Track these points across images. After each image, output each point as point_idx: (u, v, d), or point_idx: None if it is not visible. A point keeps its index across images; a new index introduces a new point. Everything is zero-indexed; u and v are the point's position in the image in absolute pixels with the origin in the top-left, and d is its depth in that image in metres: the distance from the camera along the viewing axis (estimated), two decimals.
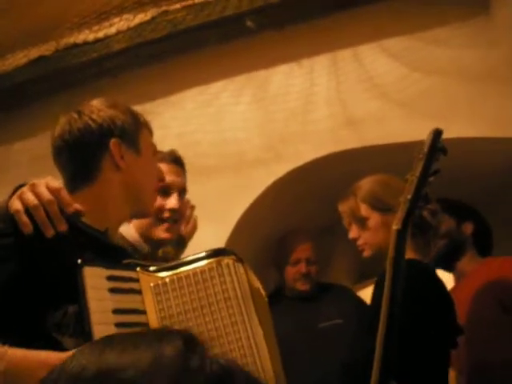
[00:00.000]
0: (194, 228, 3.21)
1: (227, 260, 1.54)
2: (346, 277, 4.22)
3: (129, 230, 2.57)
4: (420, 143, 3.08)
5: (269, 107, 3.35)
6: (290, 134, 3.30)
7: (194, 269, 1.51)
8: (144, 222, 2.33)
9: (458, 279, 3.13)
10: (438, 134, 1.95)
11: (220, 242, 3.23)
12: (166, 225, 2.35)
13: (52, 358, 1.30)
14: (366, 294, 3.11)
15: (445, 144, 3.03)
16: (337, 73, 3.28)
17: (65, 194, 1.57)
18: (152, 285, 1.48)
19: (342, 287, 3.66)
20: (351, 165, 3.27)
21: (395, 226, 1.92)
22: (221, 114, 3.42)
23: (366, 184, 2.64)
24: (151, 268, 1.53)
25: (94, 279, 1.42)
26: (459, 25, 3.15)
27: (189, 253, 3.11)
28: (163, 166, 2.57)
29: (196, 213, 3.14)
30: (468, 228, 3.11)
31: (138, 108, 3.48)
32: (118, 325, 1.41)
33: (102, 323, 1.39)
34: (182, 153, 3.25)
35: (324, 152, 3.24)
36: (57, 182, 1.60)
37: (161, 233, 2.37)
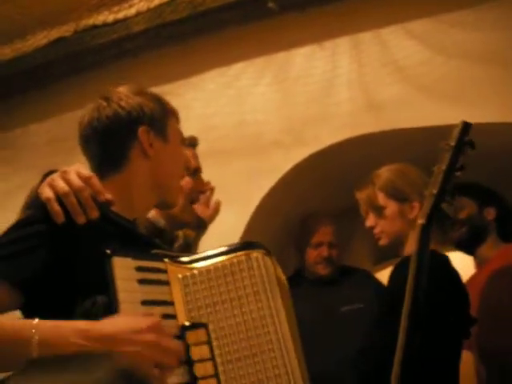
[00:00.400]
0: (216, 211, 3.21)
1: (256, 253, 1.51)
2: (364, 259, 4.20)
3: None
4: (443, 129, 3.10)
5: (289, 89, 3.32)
6: (311, 117, 3.27)
7: (223, 261, 1.49)
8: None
9: (479, 265, 3.11)
10: (466, 126, 1.91)
11: (240, 225, 3.23)
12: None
13: (84, 324, 1.30)
14: (384, 275, 3.09)
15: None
16: (359, 55, 3.25)
17: (96, 181, 1.55)
18: (180, 276, 1.47)
19: (363, 271, 3.65)
20: (372, 149, 3.25)
21: (420, 221, 1.91)
22: (241, 96, 3.39)
23: (384, 173, 2.64)
24: (180, 259, 1.51)
25: (123, 270, 1.40)
26: (485, 7, 3.09)
27: (209, 236, 3.14)
28: (187, 151, 2.59)
29: (217, 195, 3.13)
30: (490, 213, 3.08)
31: (157, 89, 3.48)
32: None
33: (131, 314, 1.36)
34: (202, 135, 3.24)
35: (344, 136, 3.21)
36: (87, 170, 1.60)
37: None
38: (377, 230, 2.62)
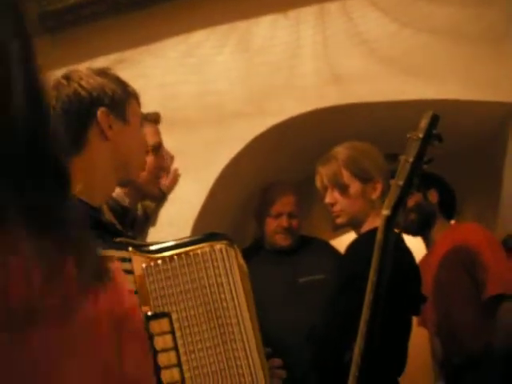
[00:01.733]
0: (174, 180, 3.18)
1: (220, 245, 1.54)
2: (324, 228, 4.21)
3: None
4: (408, 103, 3.10)
5: (252, 59, 3.27)
6: (274, 88, 3.22)
7: (188, 251, 1.51)
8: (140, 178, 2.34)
9: (429, 246, 3.20)
10: (434, 119, 1.88)
11: (201, 195, 3.21)
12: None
13: None
14: (343, 242, 3.10)
15: (429, 104, 3.06)
16: (324, 26, 3.20)
17: None
18: (144, 265, 1.47)
19: (322, 241, 3.63)
20: (335, 121, 3.24)
21: (385, 212, 1.90)
22: (202, 64, 3.32)
23: (345, 150, 2.62)
24: (144, 248, 1.52)
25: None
26: None
27: (170, 205, 3.10)
28: (150, 128, 2.55)
29: (177, 164, 3.10)
30: (433, 196, 3.18)
31: (116, 56, 3.44)
32: None
33: None
34: (162, 104, 3.19)
35: (308, 108, 3.17)
36: None
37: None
38: (336, 208, 2.61)
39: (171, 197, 3.10)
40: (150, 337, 1.40)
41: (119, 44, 3.37)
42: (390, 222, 1.89)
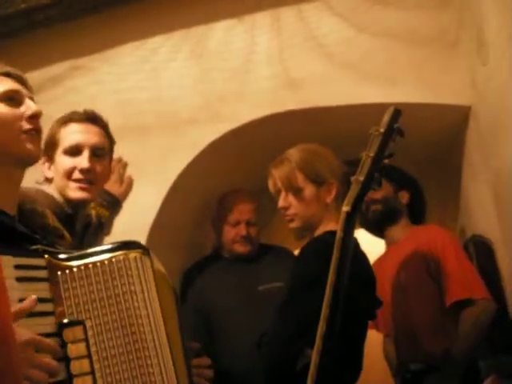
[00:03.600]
0: (129, 187, 3.11)
1: (134, 253, 1.55)
2: (287, 236, 4.17)
3: (53, 191, 2.49)
4: (363, 107, 3.07)
5: (207, 65, 3.24)
6: (228, 94, 3.19)
7: (102, 260, 1.52)
8: (60, 183, 2.29)
9: (388, 245, 3.15)
10: (396, 113, 1.84)
11: (156, 202, 3.17)
12: (77, 185, 2.24)
13: None
14: None
15: (387, 108, 3.03)
16: (279, 31, 3.17)
17: None
18: (59, 273, 1.48)
19: (283, 249, 3.59)
20: (291, 126, 3.20)
21: (345, 208, 1.84)
22: (157, 70, 3.29)
23: (298, 153, 2.55)
24: (60, 256, 1.51)
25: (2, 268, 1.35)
26: None
27: (125, 213, 3.05)
28: (73, 126, 2.44)
29: (132, 171, 3.04)
30: (404, 197, 3.13)
31: (70, 62, 3.40)
32: None
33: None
34: (117, 110, 3.14)
35: (263, 113, 3.15)
36: None
37: (71, 193, 2.26)
38: (290, 212, 2.54)
39: (125, 205, 3.04)
40: (64, 345, 1.40)
41: (74, 50, 3.34)
42: (350, 218, 1.84)
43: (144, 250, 1.57)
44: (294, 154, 2.56)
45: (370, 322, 3.05)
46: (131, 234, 2.98)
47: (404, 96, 3.04)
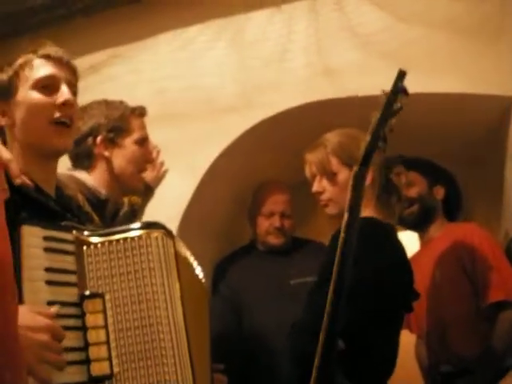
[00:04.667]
0: (162, 174, 3.11)
1: (157, 233, 1.61)
2: (324, 232, 4.12)
3: (86, 177, 2.52)
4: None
5: (244, 53, 3.23)
6: (265, 82, 3.17)
7: (125, 237, 1.59)
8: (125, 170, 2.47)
9: (425, 243, 3.07)
10: (400, 74, 1.94)
11: (189, 190, 3.16)
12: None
13: None
14: None
15: (427, 98, 2.98)
16: (317, 20, 3.14)
17: (13, 165, 1.53)
18: (85, 248, 1.57)
19: (318, 244, 3.55)
20: (327, 116, 3.15)
21: (354, 168, 1.90)
22: (195, 59, 3.29)
23: (335, 137, 2.52)
24: (86, 232, 1.60)
25: (31, 237, 1.48)
26: None
27: (157, 200, 3.05)
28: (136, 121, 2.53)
29: (167, 159, 3.04)
30: (439, 192, 3.06)
31: (111, 51, 3.42)
32: (48, 282, 1.48)
33: (33, 280, 1.46)
34: (153, 98, 3.16)
35: (299, 102, 3.12)
36: (9, 154, 1.56)
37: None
38: (324, 197, 2.49)
39: (158, 192, 3.04)
40: (83, 314, 1.50)
41: (113, 39, 3.36)
42: (357, 177, 1.89)
43: (166, 231, 1.63)
44: (330, 138, 2.53)
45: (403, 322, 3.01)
46: (163, 222, 3.00)
47: (444, 86, 2.98)
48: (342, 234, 1.88)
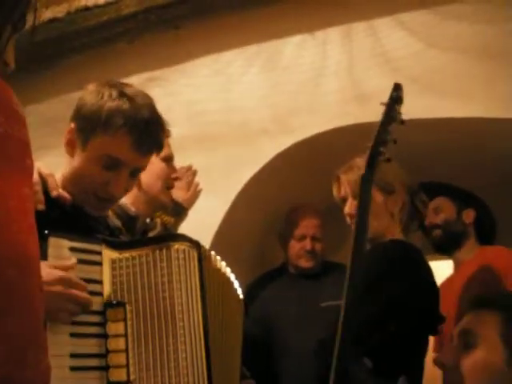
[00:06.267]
0: (195, 195, 3.16)
1: (178, 245, 1.65)
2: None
3: None
4: (431, 122, 3.04)
5: (278, 78, 3.28)
6: (298, 106, 3.22)
7: (148, 249, 1.64)
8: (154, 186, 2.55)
9: (456, 267, 3.06)
10: (396, 86, 2.17)
11: (222, 211, 3.21)
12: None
13: None
14: None
15: (458, 123, 2.99)
16: (350, 45, 3.19)
17: (51, 179, 1.72)
18: (111, 259, 1.63)
19: None
20: (358, 140, 3.17)
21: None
22: (230, 83, 3.36)
23: None
24: (113, 244, 1.67)
25: (57, 249, 1.55)
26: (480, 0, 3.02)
27: (189, 221, 3.10)
28: None
29: (201, 180, 3.09)
30: (469, 216, 3.04)
31: (148, 74, 3.51)
32: None
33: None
34: (189, 120, 3.23)
35: (331, 126, 3.16)
36: (48, 170, 1.75)
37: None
38: None
39: (192, 212, 3.09)
40: (105, 322, 1.56)
41: (151, 63, 3.45)
42: (364, 181, 2.02)
43: (192, 242, 1.68)
44: (362, 162, 2.55)
45: (435, 346, 2.99)
46: None
47: (475, 111, 2.99)
48: (353, 243, 1.93)
